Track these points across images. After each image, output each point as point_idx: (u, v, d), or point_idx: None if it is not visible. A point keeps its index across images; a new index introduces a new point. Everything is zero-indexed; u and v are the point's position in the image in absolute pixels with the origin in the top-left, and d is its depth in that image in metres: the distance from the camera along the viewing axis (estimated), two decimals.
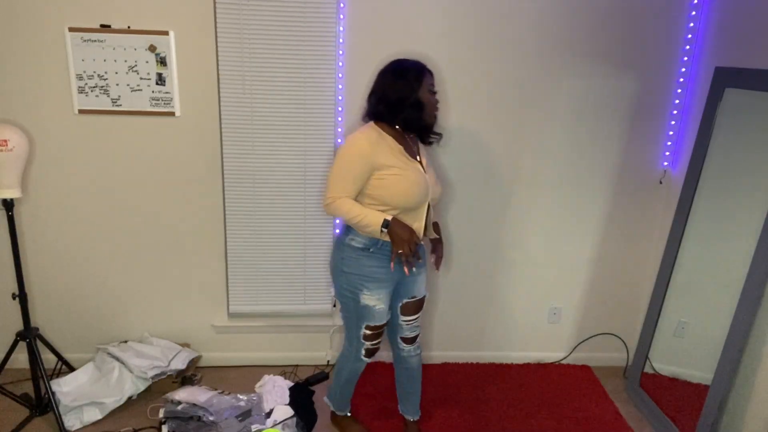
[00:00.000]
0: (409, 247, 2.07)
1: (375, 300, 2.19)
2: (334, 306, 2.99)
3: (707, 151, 2.53)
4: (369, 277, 2.16)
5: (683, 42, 2.71)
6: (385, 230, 2.06)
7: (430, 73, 2.16)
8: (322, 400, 2.60)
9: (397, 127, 2.15)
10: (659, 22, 2.68)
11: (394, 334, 2.38)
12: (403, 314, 2.32)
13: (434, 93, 2.18)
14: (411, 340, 2.37)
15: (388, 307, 2.25)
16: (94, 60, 2.53)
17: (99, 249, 2.81)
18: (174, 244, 2.84)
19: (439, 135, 2.27)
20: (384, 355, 3.07)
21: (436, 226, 2.39)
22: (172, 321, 2.97)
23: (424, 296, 2.36)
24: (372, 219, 2.05)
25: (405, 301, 2.30)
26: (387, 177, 2.06)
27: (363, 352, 2.30)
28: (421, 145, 2.28)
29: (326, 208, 2.12)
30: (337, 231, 2.28)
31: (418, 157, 2.20)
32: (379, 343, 2.31)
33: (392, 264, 2.13)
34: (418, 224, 2.16)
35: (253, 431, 2.40)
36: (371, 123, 2.15)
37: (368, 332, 2.25)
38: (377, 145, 2.07)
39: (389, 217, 2.07)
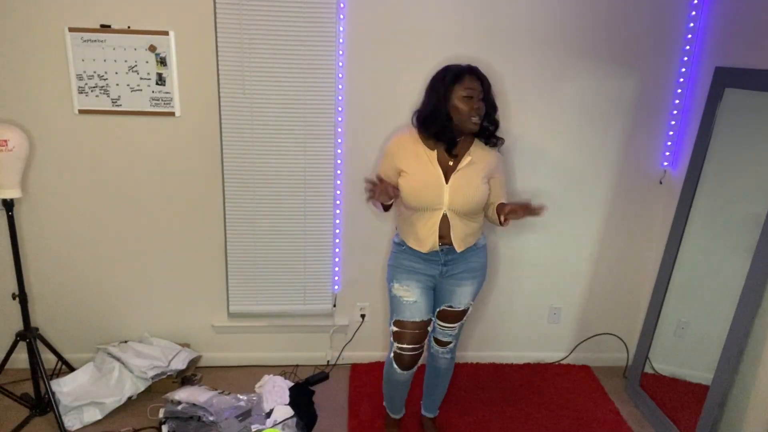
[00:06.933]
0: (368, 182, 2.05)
1: (403, 290, 2.22)
2: (334, 306, 2.99)
3: (707, 151, 2.53)
4: (400, 267, 2.24)
5: (683, 42, 2.71)
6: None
7: (472, 76, 2.07)
8: (322, 400, 2.60)
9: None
10: (659, 22, 2.68)
11: (431, 332, 2.38)
12: (440, 319, 2.33)
13: (472, 98, 2.06)
14: (442, 344, 2.38)
15: (424, 306, 2.24)
16: (94, 60, 2.53)
17: (99, 249, 2.81)
18: (174, 244, 2.84)
19: (500, 139, 2.21)
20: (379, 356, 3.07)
21: (501, 207, 2.16)
22: (172, 321, 2.97)
23: (464, 309, 2.30)
24: None
25: (443, 307, 2.30)
26: (403, 177, 2.16)
27: (392, 354, 2.30)
28: (481, 150, 2.18)
29: None
30: None
31: (451, 162, 2.13)
32: (411, 351, 2.26)
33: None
34: (426, 231, 2.15)
35: (253, 431, 2.40)
36: (411, 128, 2.21)
37: (396, 329, 2.26)
38: (403, 149, 2.18)
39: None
